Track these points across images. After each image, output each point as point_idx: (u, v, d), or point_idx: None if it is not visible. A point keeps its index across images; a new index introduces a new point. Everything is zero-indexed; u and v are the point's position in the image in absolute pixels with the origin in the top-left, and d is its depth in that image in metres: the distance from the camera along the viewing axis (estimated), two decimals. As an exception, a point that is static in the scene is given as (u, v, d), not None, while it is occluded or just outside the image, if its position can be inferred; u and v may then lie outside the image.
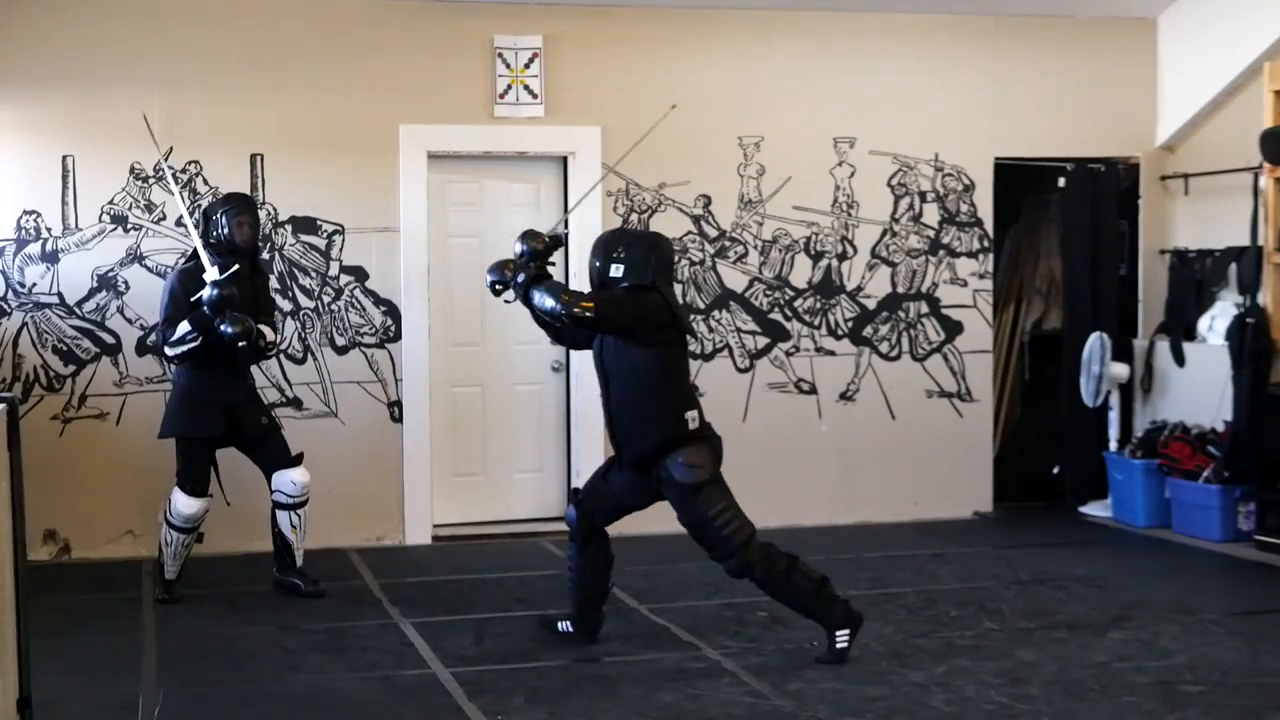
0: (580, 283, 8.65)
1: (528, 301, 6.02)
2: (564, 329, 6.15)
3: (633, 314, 5.80)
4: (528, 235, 6.16)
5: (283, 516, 7.12)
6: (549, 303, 5.87)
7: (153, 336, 7.81)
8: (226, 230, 6.98)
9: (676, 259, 8.75)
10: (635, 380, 5.85)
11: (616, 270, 5.89)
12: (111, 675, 5.82)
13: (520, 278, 6.03)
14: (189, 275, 6.94)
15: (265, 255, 8.15)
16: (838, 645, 5.89)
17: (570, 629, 6.24)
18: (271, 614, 6.80)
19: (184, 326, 6.81)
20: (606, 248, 5.99)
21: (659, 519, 8.74)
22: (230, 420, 7.04)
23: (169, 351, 6.94)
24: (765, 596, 7.07)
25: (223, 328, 6.72)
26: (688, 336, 6.06)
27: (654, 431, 5.85)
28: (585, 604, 6.23)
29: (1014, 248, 9.93)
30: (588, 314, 5.79)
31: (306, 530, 7.20)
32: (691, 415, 5.85)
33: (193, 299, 6.81)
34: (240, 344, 6.74)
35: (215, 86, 8.17)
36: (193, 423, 6.99)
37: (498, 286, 6.13)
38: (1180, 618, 6.62)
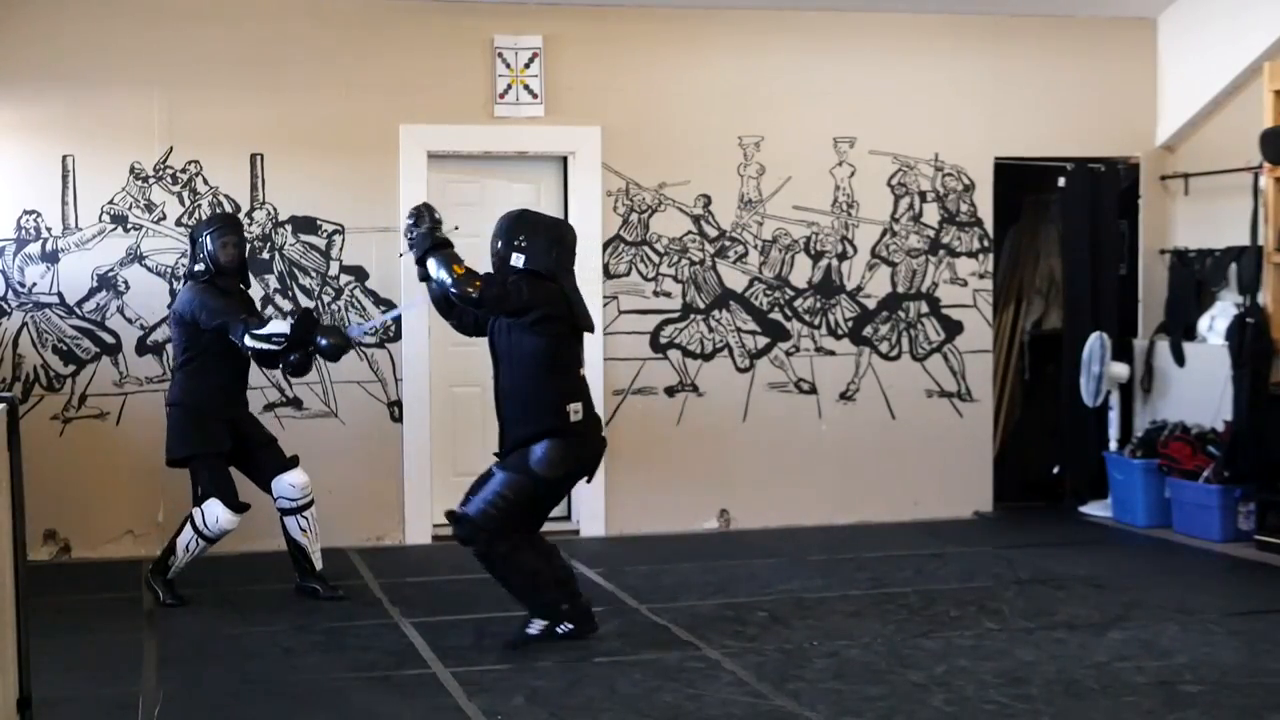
0: (580, 279, 8.66)
1: (423, 266, 6.09)
2: (457, 310, 6.20)
3: (522, 302, 5.82)
4: (429, 208, 6.25)
5: (290, 522, 7.08)
6: (442, 273, 5.93)
7: (208, 318, 7.12)
8: (211, 250, 7.00)
9: (679, 259, 8.77)
10: (523, 367, 5.88)
11: (518, 259, 5.94)
12: (111, 675, 5.82)
13: (421, 240, 6.08)
14: (208, 287, 6.96)
15: (265, 255, 8.15)
16: (527, 629, 6.04)
17: (570, 628, 6.17)
18: (271, 614, 6.80)
19: (279, 325, 6.84)
20: (509, 233, 5.99)
21: (659, 519, 8.78)
22: (233, 435, 7.07)
23: (249, 342, 6.82)
24: (765, 596, 7.08)
25: (321, 342, 6.93)
26: (584, 331, 6.06)
27: (534, 420, 5.88)
28: (570, 596, 6.16)
29: (1014, 248, 9.93)
30: (472, 293, 5.85)
31: (319, 532, 7.14)
32: (574, 408, 5.85)
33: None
34: (339, 357, 7.07)
35: (215, 86, 8.17)
36: (208, 438, 6.99)
37: (400, 251, 6.23)
38: (1180, 618, 6.62)
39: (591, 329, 6.08)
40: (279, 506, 7.08)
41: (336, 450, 8.28)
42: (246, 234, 8.07)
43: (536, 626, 6.05)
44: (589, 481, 6.35)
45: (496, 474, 5.98)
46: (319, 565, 7.13)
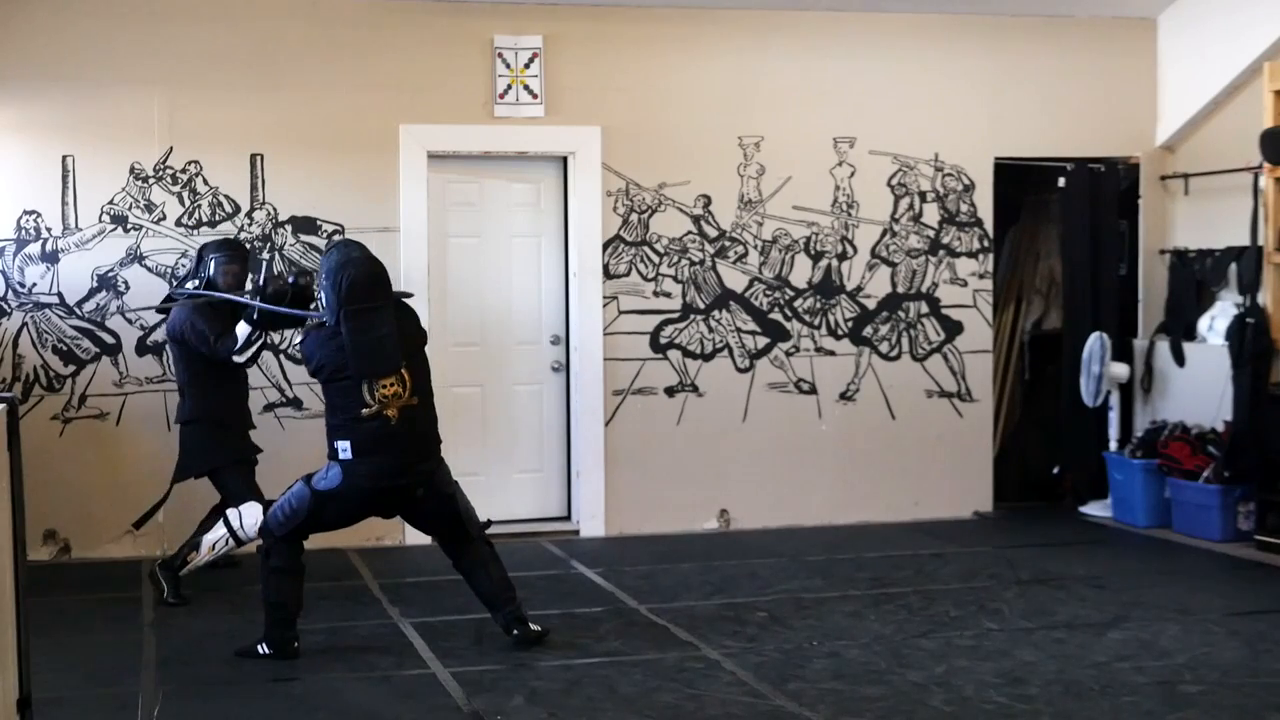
0: (580, 280, 8.67)
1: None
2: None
3: (310, 366, 6.11)
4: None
5: (216, 531, 6.97)
6: (239, 344, 6.77)
7: (197, 336, 7.37)
8: (212, 273, 7.07)
9: (679, 259, 8.76)
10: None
11: (321, 299, 6.18)
12: (111, 675, 5.82)
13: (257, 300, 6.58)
14: (201, 304, 6.99)
15: (265, 255, 8.14)
16: (257, 648, 6.07)
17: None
18: (271, 614, 6.80)
19: (243, 329, 6.84)
20: (319, 271, 6.24)
21: (659, 519, 8.78)
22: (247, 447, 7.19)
23: (239, 359, 6.94)
24: (765, 596, 7.08)
25: (287, 282, 6.85)
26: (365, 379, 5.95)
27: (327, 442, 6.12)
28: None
29: (1014, 248, 9.93)
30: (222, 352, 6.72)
31: (221, 554, 7.05)
32: (342, 445, 5.96)
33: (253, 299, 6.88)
34: (308, 284, 6.92)
35: (215, 86, 8.17)
36: (230, 449, 7.04)
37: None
38: (1180, 618, 6.62)
39: (372, 376, 5.92)
40: (228, 518, 6.93)
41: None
42: (246, 235, 8.11)
43: (263, 647, 6.10)
44: (416, 515, 6.38)
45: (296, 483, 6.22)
46: (184, 572, 7.02)
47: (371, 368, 5.93)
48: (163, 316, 7.82)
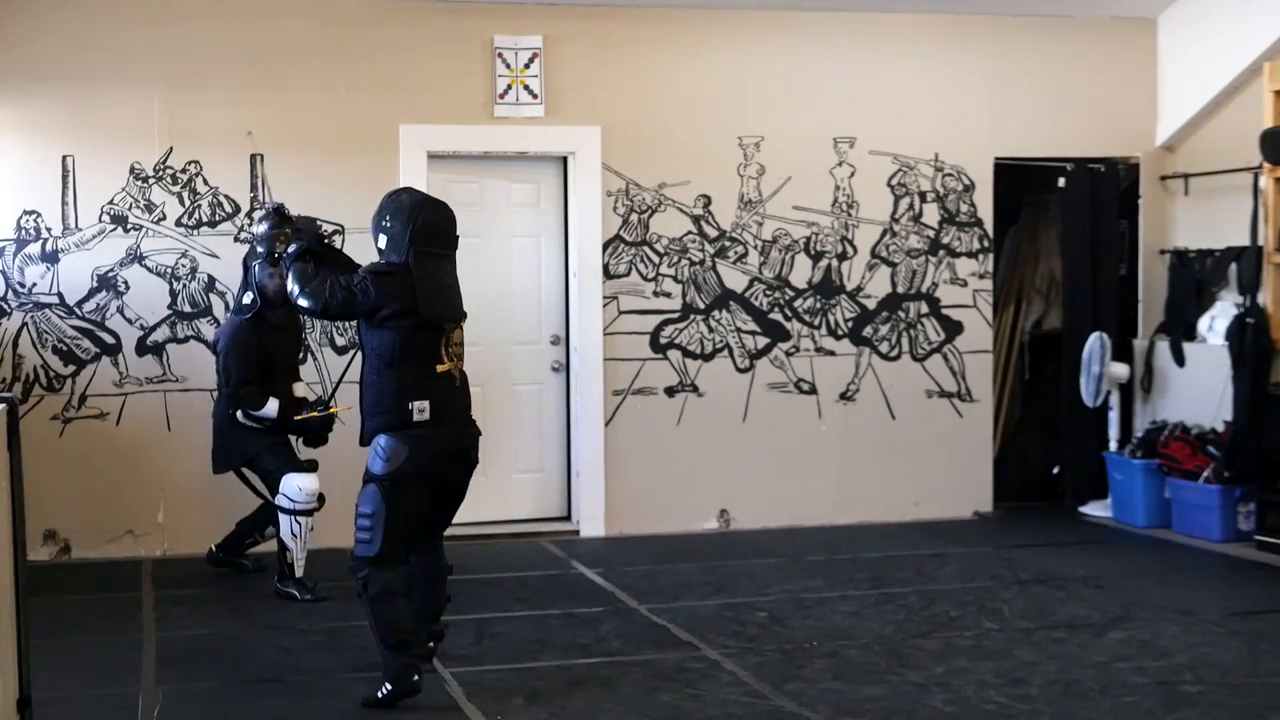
0: (580, 280, 8.67)
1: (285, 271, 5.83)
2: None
3: (370, 303, 5.45)
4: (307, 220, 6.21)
5: (285, 521, 7.08)
6: (292, 284, 5.65)
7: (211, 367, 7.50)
8: (259, 280, 7.12)
9: (679, 259, 8.76)
10: (372, 360, 5.56)
11: (381, 241, 5.60)
12: (111, 675, 5.82)
13: (290, 249, 5.80)
14: (249, 330, 7.10)
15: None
16: (379, 693, 5.38)
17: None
18: (271, 614, 6.80)
19: (272, 407, 7.07)
20: (377, 215, 5.66)
21: (659, 519, 8.78)
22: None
23: (241, 418, 7.10)
24: (765, 596, 7.08)
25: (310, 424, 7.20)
26: (445, 323, 5.55)
27: (376, 414, 5.54)
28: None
29: (1014, 248, 9.93)
30: (305, 304, 5.58)
31: (307, 540, 7.11)
32: (420, 406, 5.43)
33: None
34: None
35: (215, 86, 8.17)
36: (263, 433, 7.15)
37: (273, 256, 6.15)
38: (1180, 618, 6.62)
39: (441, 320, 5.53)
40: (278, 504, 7.09)
41: (337, 450, 8.25)
42: (247, 235, 8.10)
43: (384, 690, 5.40)
44: (454, 494, 5.76)
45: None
46: (300, 571, 7.11)
47: (444, 310, 5.52)
48: (166, 315, 7.89)
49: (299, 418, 7.14)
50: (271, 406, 7.07)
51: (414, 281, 5.44)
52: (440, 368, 5.51)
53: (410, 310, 5.44)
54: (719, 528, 8.89)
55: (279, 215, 7.10)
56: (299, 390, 7.34)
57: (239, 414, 7.10)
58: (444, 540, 5.89)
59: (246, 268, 7.24)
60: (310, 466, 7.18)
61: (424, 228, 5.51)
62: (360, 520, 5.49)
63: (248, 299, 7.17)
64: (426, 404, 5.44)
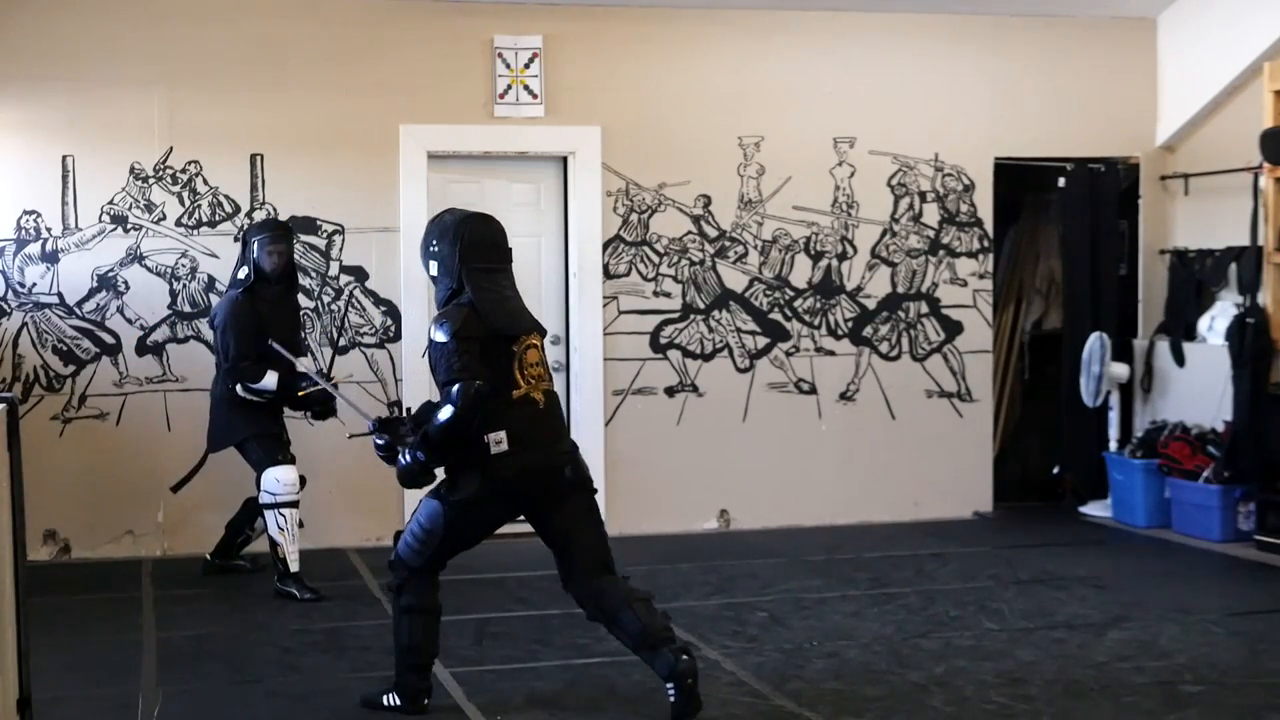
0: (580, 280, 8.66)
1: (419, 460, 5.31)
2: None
3: (463, 360, 5.09)
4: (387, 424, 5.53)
5: (270, 517, 7.07)
6: (417, 456, 5.23)
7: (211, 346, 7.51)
8: (257, 256, 7.12)
9: (679, 259, 8.76)
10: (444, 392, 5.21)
11: (433, 268, 5.36)
12: (111, 675, 5.82)
13: (376, 440, 5.47)
14: (246, 304, 7.07)
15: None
16: (383, 699, 5.33)
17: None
18: (271, 614, 6.80)
19: (270, 380, 7.03)
20: (424, 240, 5.44)
21: (659, 519, 8.78)
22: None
23: (241, 392, 7.08)
24: (765, 596, 7.08)
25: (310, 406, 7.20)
26: (522, 337, 5.25)
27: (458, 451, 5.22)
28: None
29: (1014, 248, 9.93)
30: (455, 420, 5.08)
31: (296, 534, 7.09)
32: (495, 437, 5.12)
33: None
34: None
35: (215, 87, 8.17)
36: (254, 421, 7.14)
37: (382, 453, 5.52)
38: (1180, 618, 6.62)
39: (510, 331, 5.22)
40: (261, 501, 7.08)
41: (336, 450, 8.26)
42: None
43: (390, 698, 5.35)
44: (556, 516, 5.40)
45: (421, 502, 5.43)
46: (295, 567, 7.08)
47: (508, 322, 5.21)
48: (166, 315, 7.89)
49: (301, 394, 7.09)
50: (270, 379, 7.04)
51: (474, 308, 5.16)
52: (516, 393, 5.17)
53: (476, 337, 5.13)
54: (719, 528, 8.89)
55: (281, 227, 7.29)
56: (301, 366, 7.26)
57: (239, 388, 7.05)
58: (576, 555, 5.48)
59: (245, 243, 7.23)
60: (287, 459, 7.15)
61: (473, 244, 5.28)
62: (414, 528, 5.29)
63: (243, 273, 7.15)
64: (504, 434, 5.13)
